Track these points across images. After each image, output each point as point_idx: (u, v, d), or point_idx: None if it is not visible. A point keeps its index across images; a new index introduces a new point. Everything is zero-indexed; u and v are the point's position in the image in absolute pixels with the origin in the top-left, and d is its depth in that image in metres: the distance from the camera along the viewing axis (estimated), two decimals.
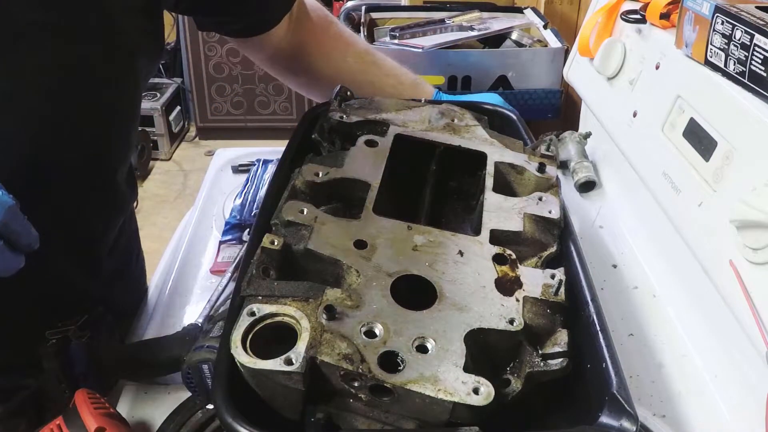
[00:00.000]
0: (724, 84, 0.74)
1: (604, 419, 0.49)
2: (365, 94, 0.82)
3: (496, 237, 0.63)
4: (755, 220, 0.63)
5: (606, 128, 1.06)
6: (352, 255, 0.58)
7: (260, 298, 0.53)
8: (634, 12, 0.98)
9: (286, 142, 0.77)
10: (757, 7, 0.72)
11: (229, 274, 0.91)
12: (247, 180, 1.17)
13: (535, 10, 1.64)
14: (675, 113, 0.84)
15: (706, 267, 0.73)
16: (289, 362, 0.48)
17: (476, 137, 0.76)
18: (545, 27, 1.53)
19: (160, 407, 0.72)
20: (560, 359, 0.55)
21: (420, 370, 0.50)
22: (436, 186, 0.75)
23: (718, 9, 0.74)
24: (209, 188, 1.19)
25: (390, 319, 0.53)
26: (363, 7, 1.61)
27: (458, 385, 0.49)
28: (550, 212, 0.66)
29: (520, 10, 1.65)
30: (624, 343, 0.82)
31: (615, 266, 0.96)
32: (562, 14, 1.82)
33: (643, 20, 0.96)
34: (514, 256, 0.61)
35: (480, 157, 0.73)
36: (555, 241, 0.65)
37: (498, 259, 0.61)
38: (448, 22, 1.51)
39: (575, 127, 1.27)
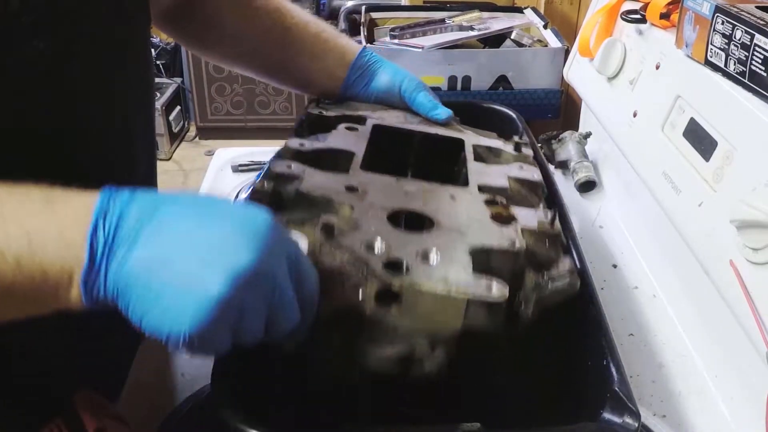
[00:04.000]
0: (725, 84, 0.74)
1: (607, 416, 0.49)
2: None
3: (484, 191, 0.64)
4: (755, 220, 0.63)
5: (606, 128, 1.06)
6: (344, 195, 0.57)
7: None
8: (634, 12, 0.98)
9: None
10: (757, 7, 0.72)
11: None
12: (259, 176, 1.17)
13: (535, 10, 1.64)
14: (675, 113, 0.84)
15: (706, 267, 0.73)
16: None
17: (452, 128, 0.79)
18: (545, 27, 1.53)
19: (160, 407, 0.72)
20: (567, 278, 0.54)
21: (428, 274, 0.48)
22: (416, 173, 0.75)
23: (718, 9, 0.74)
24: (209, 188, 1.19)
25: (391, 238, 0.51)
26: (363, 7, 1.61)
27: (470, 283, 0.47)
28: (533, 176, 0.68)
29: (520, 10, 1.65)
30: (624, 343, 0.82)
31: (615, 266, 0.96)
32: (562, 14, 1.82)
33: (643, 20, 0.96)
34: (505, 201, 0.62)
35: (458, 143, 0.74)
36: (540, 202, 0.66)
37: (490, 202, 0.61)
38: (448, 22, 1.51)
39: (575, 127, 1.27)
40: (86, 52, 0.58)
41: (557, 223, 0.59)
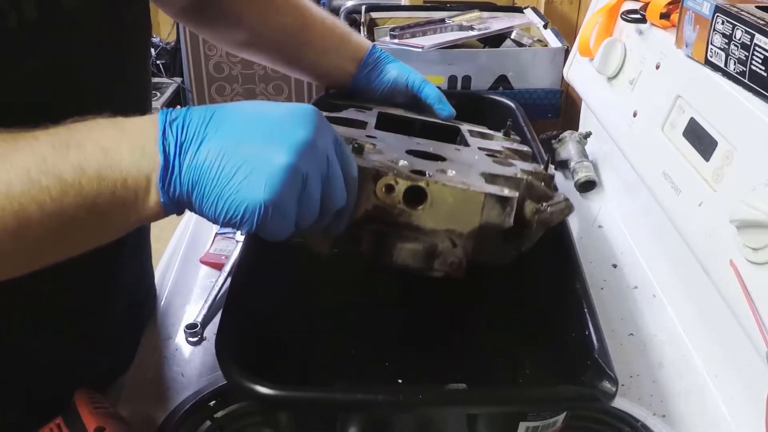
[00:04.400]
0: (725, 84, 0.74)
1: (587, 381, 0.52)
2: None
3: (483, 150, 0.71)
4: (755, 220, 0.63)
5: (606, 128, 1.05)
6: (365, 140, 0.63)
7: None
8: (634, 12, 0.98)
9: None
10: (757, 7, 0.72)
11: (225, 273, 0.91)
12: None
13: (535, 10, 1.63)
14: (675, 113, 0.84)
15: (706, 267, 0.73)
16: None
17: (448, 121, 0.87)
18: (545, 27, 1.53)
19: (160, 407, 0.72)
20: (563, 204, 0.61)
21: (449, 178, 0.54)
22: None
23: (718, 9, 0.74)
24: None
25: (412, 161, 0.58)
26: (363, 7, 1.60)
27: (485, 187, 0.54)
28: (523, 148, 0.77)
29: (520, 10, 1.65)
30: (624, 343, 0.82)
31: (615, 266, 0.96)
32: (562, 14, 1.82)
33: (643, 20, 0.96)
34: (503, 155, 0.70)
35: (455, 129, 0.82)
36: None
37: (490, 155, 0.68)
38: (448, 22, 1.51)
39: (575, 127, 1.27)
40: (86, 62, 0.59)
41: (551, 168, 0.67)
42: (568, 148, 1.17)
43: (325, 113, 0.73)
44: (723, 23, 0.73)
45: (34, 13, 0.51)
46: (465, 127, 0.82)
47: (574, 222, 1.06)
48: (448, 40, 1.39)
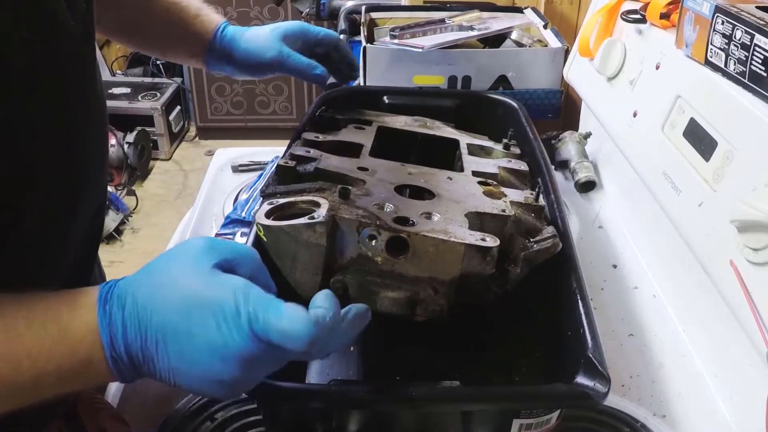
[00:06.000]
0: (725, 84, 0.74)
1: (580, 380, 0.52)
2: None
3: (477, 176, 0.72)
4: (755, 220, 0.63)
5: (606, 128, 1.06)
6: (356, 173, 0.65)
7: (278, 195, 0.59)
8: (634, 12, 0.98)
9: (286, 142, 0.77)
10: (757, 7, 0.72)
11: None
12: (260, 177, 1.17)
13: (535, 10, 1.63)
14: (675, 113, 0.84)
15: (706, 267, 0.73)
16: (312, 219, 0.53)
17: (449, 131, 0.86)
18: (545, 27, 1.53)
19: (161, 408, 0.72)
20: (550, 241, 0.61)
21: (431, 227, 0.55)
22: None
23: (718, 9, 0.74)
24: (209, 188, 1.19)
25: (398, 203, 0.59)
26: (363, 7, 1.60)
27: (467, 235, 0.54)
28: (520, 167, 0.77)
29: (520, 10, 1.65)
30: (624, 343, 0.82)
31: (615, 266, 0.96)
32: (562, 14, 1.82)
33: (643, 20, 0.96)
34: (495, 183, 0.70)
35: (454, 143, 0.82)
36: (527, 188, 0.73)
37: (482, 183, 0.69)
38: (448, 22, 1.51)
39: (575, 127, 1.27)
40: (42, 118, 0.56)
41: (541, 198, 0.68)
42: (568, 149, 1.17)
43: (322, 137, 0.75)
44: (723, 23, 0.73)
45: None
46: (464, 140, 0.82)
47: (574, 222, 1.07)
48: (448, 41, 1.39)
